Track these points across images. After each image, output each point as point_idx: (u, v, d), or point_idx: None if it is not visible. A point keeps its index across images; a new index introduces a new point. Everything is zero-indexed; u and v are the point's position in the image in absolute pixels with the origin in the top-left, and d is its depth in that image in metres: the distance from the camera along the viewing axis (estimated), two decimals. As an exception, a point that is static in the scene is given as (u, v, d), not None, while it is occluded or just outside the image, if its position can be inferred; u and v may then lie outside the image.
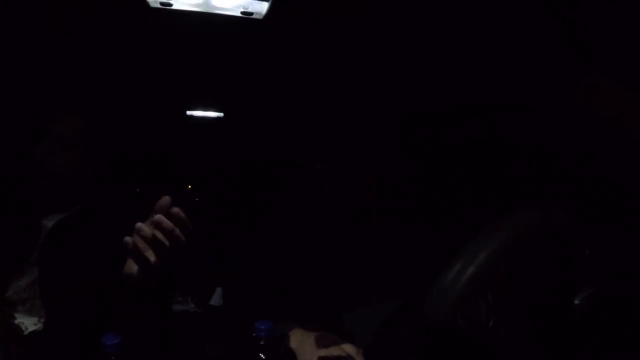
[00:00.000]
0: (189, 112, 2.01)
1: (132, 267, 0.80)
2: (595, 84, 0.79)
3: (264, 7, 0.84)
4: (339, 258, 1.08)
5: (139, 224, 0.73)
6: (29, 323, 0.94)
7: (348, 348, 0.78)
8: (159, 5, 0.83)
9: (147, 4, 0.83)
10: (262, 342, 0.69)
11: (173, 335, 1.16)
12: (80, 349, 0.87)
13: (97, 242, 1.01)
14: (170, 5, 0.83)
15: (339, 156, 1.09)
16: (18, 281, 0.95)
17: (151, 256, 0.73)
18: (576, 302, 0.74)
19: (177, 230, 0.74)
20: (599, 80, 0.78)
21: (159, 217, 0.72)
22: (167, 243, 0.74)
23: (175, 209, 0.74)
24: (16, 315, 0.94)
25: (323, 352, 0.78)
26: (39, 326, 0.95)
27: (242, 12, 0.86)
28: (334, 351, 0.78)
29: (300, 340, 0.84)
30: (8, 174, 1.10)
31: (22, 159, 1.01)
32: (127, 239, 0.73)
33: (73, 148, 1.02)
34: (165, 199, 0.74)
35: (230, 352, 1.09)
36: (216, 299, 1.69)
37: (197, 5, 0.84)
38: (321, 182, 1.12)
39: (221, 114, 2.06)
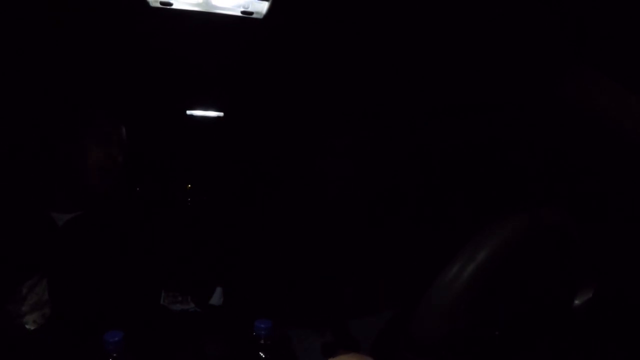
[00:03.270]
0: (189, 112, 2.01)
1: None
2: (593, 83, 0.79)
3: (264, 7, 0.84)
4: (340, 258, 1.08)
5: None
6: (34, 319, 0.95)
7: None
8: (159, 5, 0.83)
9: (147, 4, 0.83)
10: (262, 342, 0.69)
11: (173, 335, 1.16)
12: (82, 346, 0.87)
13: (105, 240, 1.03)
14: (171, 5, 0.83)
15: (348, 154, 1.09)
16: (28, 277, 0.96)
17: None
18: (576, 302, 0.74)
19: None
20: (597, 78, 0.78)
21: None
22: None
23: None
24: (23, 311, 0.94)
25: None
26: (42, 322, 0.96)
27: (242, 12, 0.86)
28: None
29: None
30: (29, 171, 1.11)
31: (55, 158, 1.02)
32: None
33: (125, 149, 1.05)
34: None
35: (230, 352, 1.09)
36: (216, 299, 1.69)
37: (197, 4, 0.84)
38: (332, 177, 1.12)
39: (221, 114, 2.06)
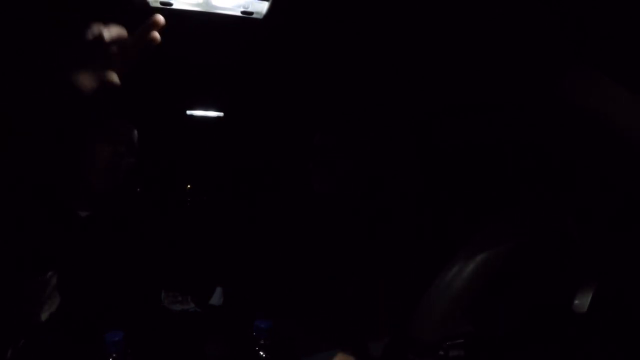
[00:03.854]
0: (189, 112, 2.01)
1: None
2: (594, 83, 0.79)
3: (264, 7, 0.84)
4: (340, 258, 1.08)
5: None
6: (43, 316, 0.95)
7: None
8: (159, 5, 0.84)
9: (147, 4, 0.83)
10: (262, 342, 0.69)
11: (173, 335, 1.16)
12: (82, 346, 0.87)
13: (106, 240, 1.03)
14: (171, 5, 0.83)
15: (332, 156, 1.09)
16: (42, 276, 0.96)
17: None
18: (576, 302, 0.74)
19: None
20: (598, 78, 0.78)
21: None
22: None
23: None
24: (33, 308, 0.94)
25: None
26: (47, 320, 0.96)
27: (242, 12, 0.86)
28: None
29: None
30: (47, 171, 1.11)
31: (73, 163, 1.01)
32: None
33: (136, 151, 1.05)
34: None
35: (230, 352, 1.09)
36: (216, 299, 1.69)
37: (197, 4, 0.84)
38: (313, 182, 1.12)
39: (221, 114, 2.06)
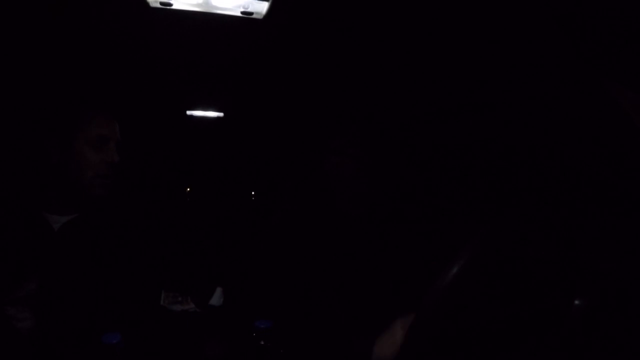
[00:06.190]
0: (188, 112, 2.01)
1: None
2: (596, 84, 0.79)
3: (264, 7, 0.84)
4: (342, 260, 1.08)
5: None
6: (32, 323, 0.94)
7: None
8: (159, 5, 0.84)
9: (147, 4, 0.83)
10: (262, 342, 0.69)
11: (173, 335, 1.16)
12: (79, 348, 0.87)
13: (103, 242, 1.02)
14: (170, 5, 0.83)
15: (347, 155, 1.09)
16: (28, 281, 0.95)
17: None
18: (576, 302, 0.74)
19: None
20: (600, 80, 0.78)
21: None
22: None
23: None
24: (22, 316, 0.94)
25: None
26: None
27: (242, 12, 0.86)
28: None
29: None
30: (25, 173, 1.10)
31: (53, 160, 1.00)
32: None
33: (118, 150, 1.04)
34: None
35: (230, 352, 1.09)
36: (216, 299, 1.69)
37: (197, 5, 0.84)
38: (332, 177, 1.11)
39: (221, 114, 2.06)
